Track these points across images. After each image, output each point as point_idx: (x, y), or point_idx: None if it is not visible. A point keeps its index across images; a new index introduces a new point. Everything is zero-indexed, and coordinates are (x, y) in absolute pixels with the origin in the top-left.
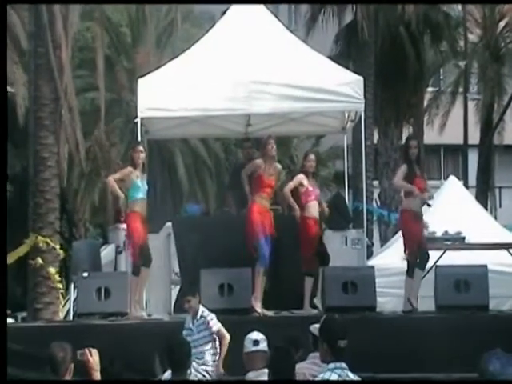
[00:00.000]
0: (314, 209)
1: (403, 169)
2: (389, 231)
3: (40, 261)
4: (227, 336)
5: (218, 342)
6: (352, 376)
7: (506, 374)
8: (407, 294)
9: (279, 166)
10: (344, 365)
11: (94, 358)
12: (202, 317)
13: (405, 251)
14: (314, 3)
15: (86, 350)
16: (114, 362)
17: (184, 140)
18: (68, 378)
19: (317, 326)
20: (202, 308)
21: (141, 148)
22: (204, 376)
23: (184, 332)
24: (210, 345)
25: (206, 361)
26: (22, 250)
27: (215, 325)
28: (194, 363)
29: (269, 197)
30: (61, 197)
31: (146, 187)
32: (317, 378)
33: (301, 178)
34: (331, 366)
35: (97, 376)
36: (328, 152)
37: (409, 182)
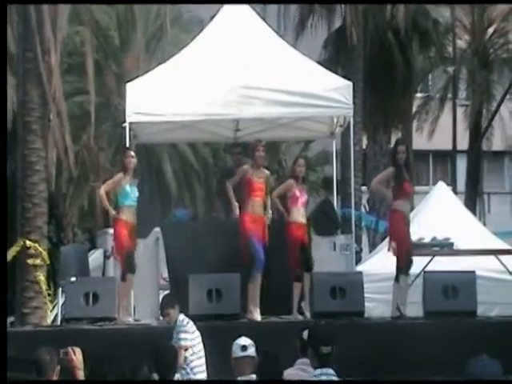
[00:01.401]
0: (298, 214)
1: (389, 171)
2: (377, 237)
3: (36, 261)
4: (181, 357)
5: (200, 346)
6: None
7: (490, 376)
8: (395, 299)
9: (267, 172)
10: (331, 371)
11: (77, 356)
12: (179, 326)
13: (389, 249)
14: (304, 3)
15: (70, 348)
16: (103, 365)
17: (172, 145)
18: (54, 379)
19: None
20: (181, 317)
21: (131, 153)
22: None
23: (172, 340)
24: (193, 350)
25: (195, 369)
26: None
27: (182, 340)
28: (182, 371)
29: (261, 201)
30: (49, 201)
31: (137, 194)
32: None
33: (290, 183)
34: (317, 372)
35: (80, 375)
36: (317, 157)
37: (397, 185)
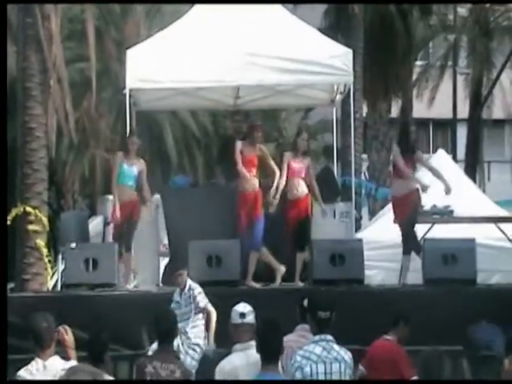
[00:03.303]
0: (293, 186)
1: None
2: (377, 204)
3: (36, 228)
4: (213, 311)
5: (205, 315)
6: (337, 348)
7: (493, 344)
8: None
9: (263, 147)
10: (329, 337)
11: (69, 336)
12: (189, 290)
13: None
14: (309, 3)
15: (61, 328)
16: (100, 334)
17: (173, 112)
18: (53, 347)
19: None
20: (189, 281)
21: (135, 139)
22: (195, 351)
23: (172, 305)
24: (197, 317)
25: (195, 333)
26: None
27: (202, 300)
28: (183, 336)
29: (254, 174)
30: (49, 168)
31: (135, 173)
32: (301, 351)
33: (287, 156)
34: (316, 338)
35: (73, 354)
36: (317, 125)
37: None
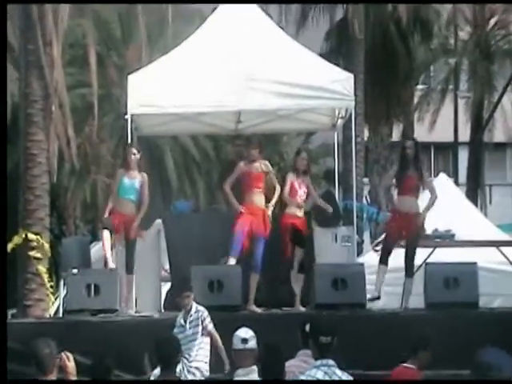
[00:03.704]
0: (294, 206)
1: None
2: (379, 228)
3: (38, 254)
4: (219, 339)
5: (209, 338)
6: (339, 373)
7: (502, 366)
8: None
9: (266, 162)
10: (331, 362)
11: (71, 362)
12: (196, 311)
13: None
14: (306, 3)
15: (63, 354)
16: (104, 360)
17: (174, 137)
18: (55, 373)
19: None
20: (194, 304)
21: (133, 150)
22: (194, 374)
23: (175, 330)
24: (203, 339)
25: (199, 356)
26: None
27: (209, 324)
28: (184, 360)
29: (261, 192)
30: (51, 193)
31: (136, 188)
32: (302, 376)
33: (290, 176)
34: (318, 363)
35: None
36: (318, 149)
37: (398, 181)
